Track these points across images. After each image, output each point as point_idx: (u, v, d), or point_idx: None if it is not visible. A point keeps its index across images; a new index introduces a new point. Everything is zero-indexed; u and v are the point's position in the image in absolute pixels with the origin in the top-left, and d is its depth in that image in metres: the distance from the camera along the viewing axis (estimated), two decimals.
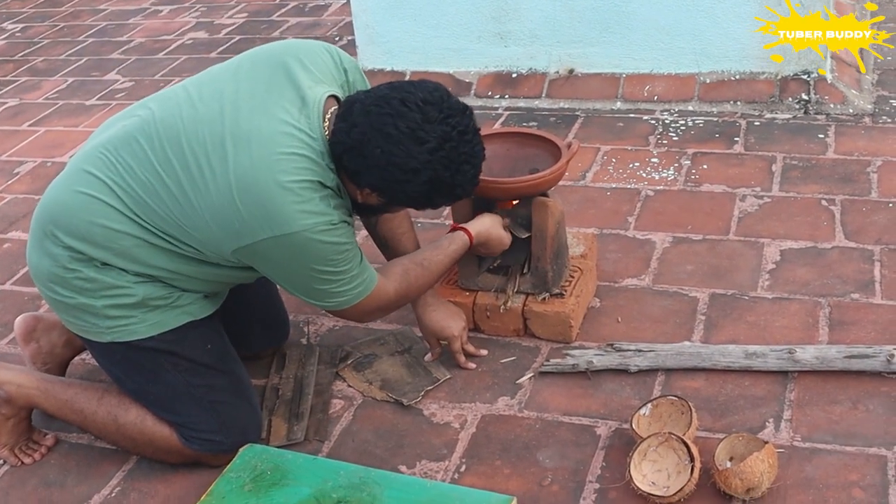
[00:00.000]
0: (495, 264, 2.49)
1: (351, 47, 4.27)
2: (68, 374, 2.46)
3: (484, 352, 2.45)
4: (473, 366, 2.41)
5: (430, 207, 1.98)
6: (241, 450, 2.07)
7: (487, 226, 2.33)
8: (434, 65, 4.03)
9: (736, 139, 3.34)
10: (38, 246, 2.04)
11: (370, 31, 4.09)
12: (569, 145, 2.43)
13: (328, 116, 1.88)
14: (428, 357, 2.45)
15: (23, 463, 2.26)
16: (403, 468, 2.13)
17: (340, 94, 1.97)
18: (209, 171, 1.86)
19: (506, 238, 2.37)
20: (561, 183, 3.17)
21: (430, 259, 2.23)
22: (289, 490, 1.96)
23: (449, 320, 2.37)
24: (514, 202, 2.44)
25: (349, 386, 2.41)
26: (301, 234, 1.83)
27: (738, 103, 3.55)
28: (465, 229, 2.29)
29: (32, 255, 2.06)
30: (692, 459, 1.92)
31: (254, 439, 2.15)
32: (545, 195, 2.43)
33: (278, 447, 2.18)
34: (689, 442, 1.94)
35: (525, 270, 2.46)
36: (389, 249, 2.38)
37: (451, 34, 3.95)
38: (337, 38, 4.79)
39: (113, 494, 2.16)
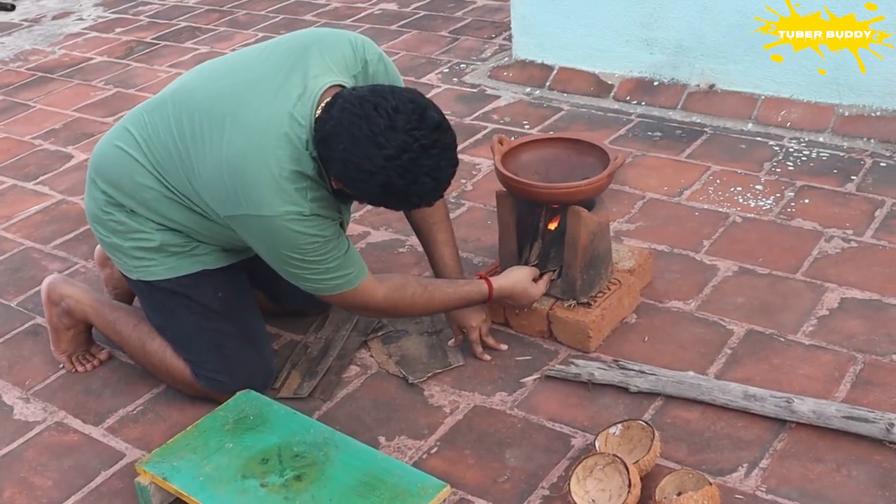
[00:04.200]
0: (534, 264, 2.54)
1: None
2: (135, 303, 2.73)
3: (504, 346, 2.51)
4: (489, 358, 2.48)
5: (388, 208, 2.04)
6: (238, 393, 2.27)
7: (514, 281, 2.39)
8: (581, 63, 4.06)
9: (852, 178, 3.18)
10: (87, 190, 2.34)
11: (526, 23, 4.16)
12: (615, 157, 2.45)
13: (322, 105, 1.98)
14: (451, 342, 2.55)
15: (76, 370, 2.56)
16: (382, 439, 2.25)
17: (350, 85, 2.07)
18: (209, 142, 2.04)
19: (534, 292, 2.41)
20: (655, 196, 3.18)
21: (437, 287, 2.30)
22: (260, 436, 2.13)
23: (469, 311, 2.45)
24: (555, 225, 2.49)
25: (371, 356, 2.55)
26: (273, 219, 1.97)
27: (872, 141, 3.37)
28: (487, 279, 2.36)
29: (85, 198, 2.36)
30: (630, 485, 1.93)
31: (259, 385, 2.33)
32: (590, 205, 2.46)
33: (284, 398, 2.36)
34: (630, 467, 1.95)
35: (557, 276, 2.51)
36: (423, 236, 2.47)
37: (601, 35, 3.96)
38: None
39: (135, 412, 2.42)
